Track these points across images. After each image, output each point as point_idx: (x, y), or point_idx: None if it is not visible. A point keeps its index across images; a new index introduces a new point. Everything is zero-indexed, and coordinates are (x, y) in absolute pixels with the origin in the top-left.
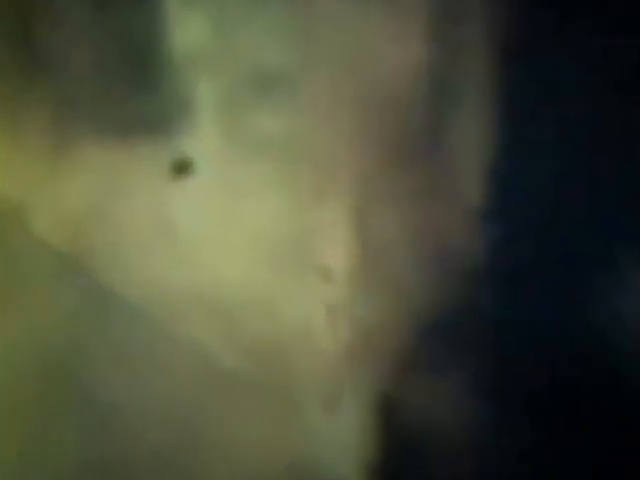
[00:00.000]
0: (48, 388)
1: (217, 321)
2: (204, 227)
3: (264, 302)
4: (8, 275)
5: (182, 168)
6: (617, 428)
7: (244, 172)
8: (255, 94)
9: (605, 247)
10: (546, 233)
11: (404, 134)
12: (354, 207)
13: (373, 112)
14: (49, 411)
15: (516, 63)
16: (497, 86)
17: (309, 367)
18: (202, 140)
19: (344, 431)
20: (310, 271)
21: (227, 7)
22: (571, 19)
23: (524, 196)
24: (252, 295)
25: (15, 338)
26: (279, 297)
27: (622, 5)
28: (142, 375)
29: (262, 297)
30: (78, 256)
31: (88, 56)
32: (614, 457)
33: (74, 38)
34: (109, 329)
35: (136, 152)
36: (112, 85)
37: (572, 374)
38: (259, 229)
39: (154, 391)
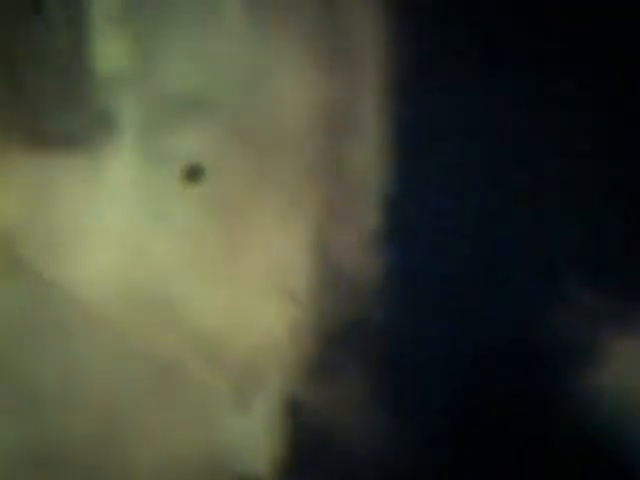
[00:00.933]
0: None
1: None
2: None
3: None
4: None
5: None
6: (520, 440)
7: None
8: (175, 115)
9: (499, 270)
10: (439, 255)
11: (303, 167)
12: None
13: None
14: None
15: (411, 95)
16: (393, 117)
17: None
18: (122, 156)
19: (255, 428)
20: None
21: (148, 29)
22: (460, 53)
23: (417, 220)
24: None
25: None
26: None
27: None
28: (76, 365)
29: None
30: (11, 262)
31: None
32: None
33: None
34: (43, 320)
35: (60, 164)
36: (37, 100)
37: (467, 386)
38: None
39: (89, 380)
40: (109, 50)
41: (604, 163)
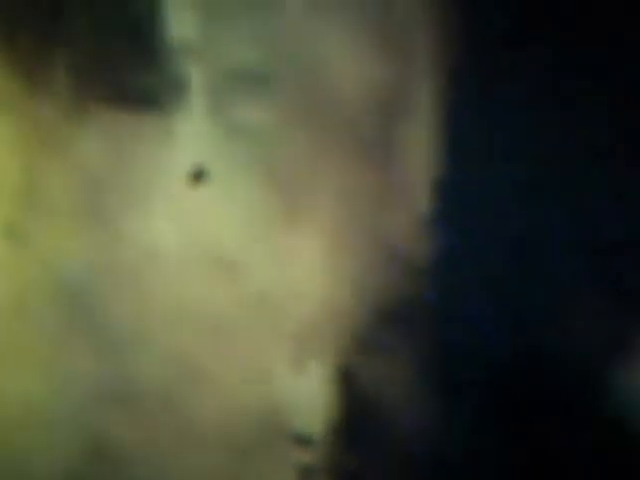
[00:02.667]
0: (60, 314)
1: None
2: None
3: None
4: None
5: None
6: (552, 415)
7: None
8: (239, 86)
9: (547, 255)
10: (490, 242)
11: (358, 148)
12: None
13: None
14: (61, 336)
15: (465, 81)
16: (446, 101)
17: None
18: (192, 118)
19: (310, 391)
20: None
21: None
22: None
23: (470, 206)
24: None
25: (33, 263)
26: None
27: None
28: (150, 311)
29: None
30: (92, 209)
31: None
32: (550, 444)
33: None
34: (121, 264)
35: (137, 120)
36: (118, 59)
37: (509, 365)
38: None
39: (160, 326)
40: (181, 19)
41: None
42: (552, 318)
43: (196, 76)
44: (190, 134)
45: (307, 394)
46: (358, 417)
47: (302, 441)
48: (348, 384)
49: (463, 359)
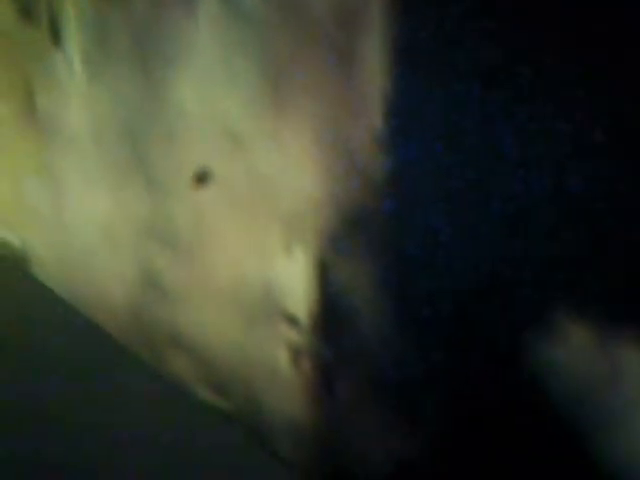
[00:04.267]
0: (124, 151)
1: None
2: None
3: None
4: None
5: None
6: (504, 324)
7: None
8: None
9: (500, 169)
10: (446, 155)
11: (326, 56)
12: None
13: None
14: (125, 170)
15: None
16: (398, 20)
17: (276, 215)
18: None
19: (297, 274)
20: None
21: None
22: None
23: (426, 120)
24: None
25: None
26: None
27: None
28: (181, 169)
29: None
30: (143, 60)
31: None
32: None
33: None
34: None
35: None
36: None
37: (465, 275)
38: None
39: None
40: None
41: None
42: (507, 230)
43: None
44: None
45: (294, 278)
46: (331, 311)
47: (291, 319)
48: (324, 278)
49: (420, 268)
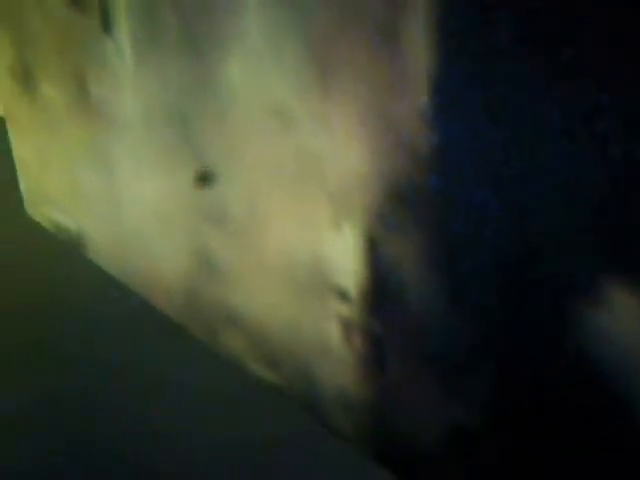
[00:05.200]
0: (172, 133)
1: None
2: None
3: None
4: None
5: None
6: (550, 298)
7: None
8: None
9: (545, 146)
10: (489, 133)
11: (371, 35)
12: None
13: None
14: (174, 151)
15: None
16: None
17: (324, 192)
18: None
19: (346, 250)
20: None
21: None
22: None
23: (470, 99)
24: None
25: (151, 82)
26: None
27: None
28: (233, 150)
29: None
30: (189, 43)
31: None
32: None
33: None
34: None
35: None
36: None
37: (511, 249)
38: None
39: (241, 167)
40: None
41: None
42: (552, 202)
43: None
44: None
45: (344, 254)
46: (380, 285)
47: (341, 295)
48: (372, 254)
49: (467, 243)
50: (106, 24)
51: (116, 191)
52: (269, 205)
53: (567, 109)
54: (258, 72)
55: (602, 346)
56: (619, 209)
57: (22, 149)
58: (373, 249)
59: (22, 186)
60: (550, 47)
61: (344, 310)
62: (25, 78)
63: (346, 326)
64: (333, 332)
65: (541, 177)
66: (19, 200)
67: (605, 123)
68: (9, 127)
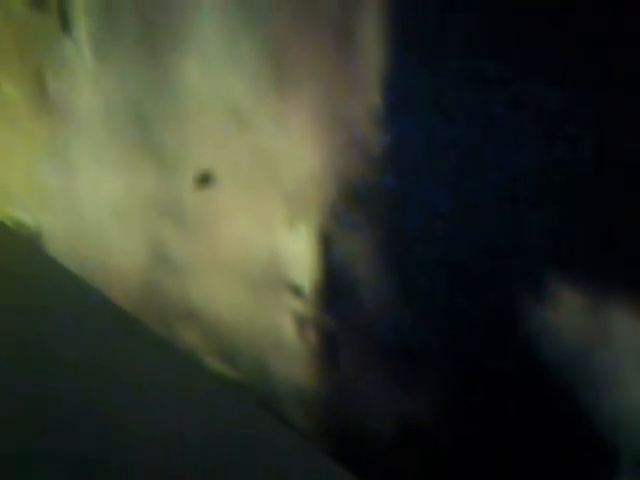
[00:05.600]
0: (132, 132)
1: None
2: None
3: None
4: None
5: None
6: (502, 289)
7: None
8: None
9: (494, 142)
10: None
11: (325, 36)
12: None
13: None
14: (134, 149)
15: None
16: None
17: (280, 191)
18: None
19: (301, 247)
20: None
21: None
22: None
23: (422, 97)
24: None
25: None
26: None
27: None
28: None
29: None
30: (149, 36)
31: None
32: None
33: None
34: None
35: None
36: None
37: (462, 245)
38: None
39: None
40: None
41: None
42: (500, 205)
43: None
44: None
45: (298, 251)
46: (334, 282)
47: (296, 291)
48: (326, 251)
49: (419, 239)
50: (65, 24)
51: (75, 188)
52: (225, 203)
53: (515, 108)
54: (215, 73)
55: (548, 342)
56: (566, 207)
57: None
58: (327, 246)
59: None
60: (501, 47)
61: (298, 306)
62: None
63: (300, 322)
64: (288, 327)
65: (491, 175)
66: None
67: (552, 122)
68: None
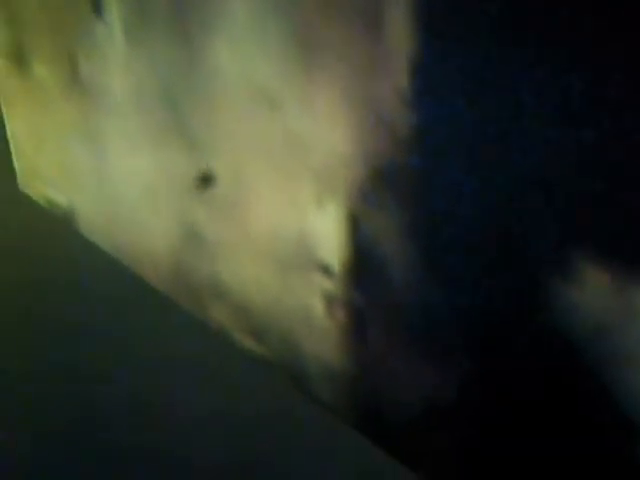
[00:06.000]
0: (163, 113)
1: None
2: None
3: None
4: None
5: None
6: (522, 272)
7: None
8: None
9: (521, 125)
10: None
11: (353, 19)
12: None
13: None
14: (165, 131)
15: None
16: None
17: (308, 171)
18: None
19: (330, 226)
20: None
21: None
22: None
23: (448, 80)
24: None
25: (144, 64)
26: None
27: None
28: (218, 125)
29: None
30: (181, 23)
31: None
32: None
33: None
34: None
35: None
36: None
37: (487, 225)
38: None
39: (226, 142)
40: None
41: None
42: (525, 186)
43: None
44: None
45: (327, 230)
46: (362, 260)
47: (324, 270)
48: (354, 230)
49: (444, 221)
50: (97, 7)
51: (107, 169)
52: (255, 183)
53: (542, 92)
54: (244, 55)
55: (574, 320)
56: (592, 188)
57: (15, 127)
58: (355, 226)
59: (15, 163)
60: (530, 32)
61: (327, 284)
62: (18, 58)
63: (329, 300)
64: (316, 305)
65: (516, 156)
66: (12, 177)
67: (578, 106)
68: (2, 106)
